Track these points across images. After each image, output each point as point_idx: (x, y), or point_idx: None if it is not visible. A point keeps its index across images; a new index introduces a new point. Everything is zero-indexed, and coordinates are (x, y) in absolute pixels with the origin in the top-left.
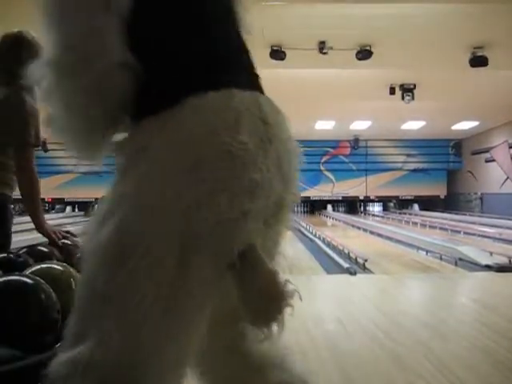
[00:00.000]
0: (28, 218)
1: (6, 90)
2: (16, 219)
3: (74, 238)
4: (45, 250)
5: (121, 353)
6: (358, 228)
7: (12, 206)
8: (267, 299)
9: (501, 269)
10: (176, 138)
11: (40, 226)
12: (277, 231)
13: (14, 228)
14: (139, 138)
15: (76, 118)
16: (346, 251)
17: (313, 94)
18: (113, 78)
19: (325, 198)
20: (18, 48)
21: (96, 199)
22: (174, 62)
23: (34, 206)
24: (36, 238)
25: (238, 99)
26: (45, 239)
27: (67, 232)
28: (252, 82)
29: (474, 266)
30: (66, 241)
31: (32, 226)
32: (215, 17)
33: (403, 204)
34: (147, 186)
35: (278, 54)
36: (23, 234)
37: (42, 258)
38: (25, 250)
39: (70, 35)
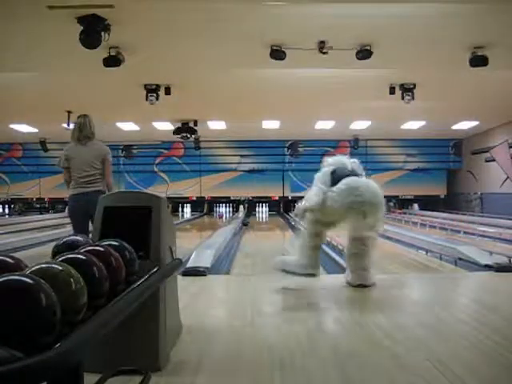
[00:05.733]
0: (28, 218)
1: None
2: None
3: None
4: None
5: None
6: None
7: (12, 206)
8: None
9: (501, 269)
10: None
11: None
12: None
13: (14, 228)
14: None
15: None
16: None
17: (313, 94)
18: None
19: None
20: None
21: None
22: None
23: None
24: (37, 237)
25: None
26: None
27: None
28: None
29: (473, 265)
30: None
31: (32, 226)
32: None
33: (403, 204)
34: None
35: (278, 53)
36: (23, 234)
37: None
38: None
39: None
